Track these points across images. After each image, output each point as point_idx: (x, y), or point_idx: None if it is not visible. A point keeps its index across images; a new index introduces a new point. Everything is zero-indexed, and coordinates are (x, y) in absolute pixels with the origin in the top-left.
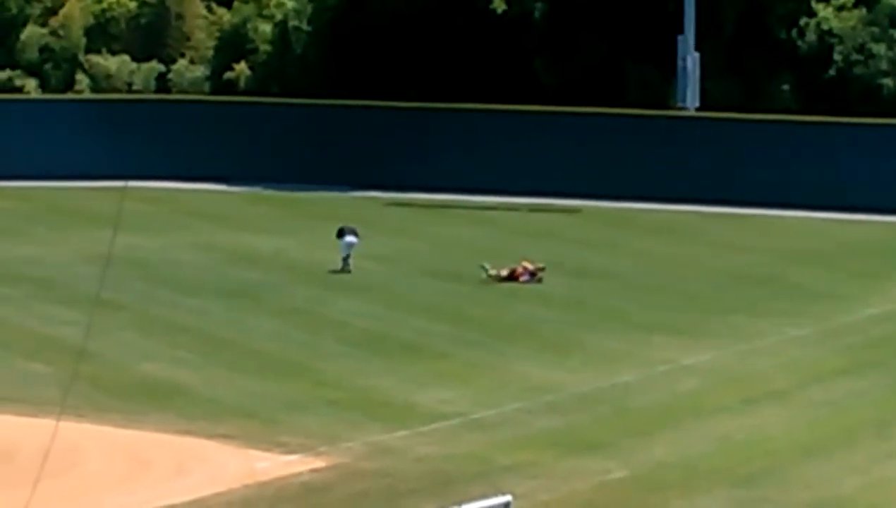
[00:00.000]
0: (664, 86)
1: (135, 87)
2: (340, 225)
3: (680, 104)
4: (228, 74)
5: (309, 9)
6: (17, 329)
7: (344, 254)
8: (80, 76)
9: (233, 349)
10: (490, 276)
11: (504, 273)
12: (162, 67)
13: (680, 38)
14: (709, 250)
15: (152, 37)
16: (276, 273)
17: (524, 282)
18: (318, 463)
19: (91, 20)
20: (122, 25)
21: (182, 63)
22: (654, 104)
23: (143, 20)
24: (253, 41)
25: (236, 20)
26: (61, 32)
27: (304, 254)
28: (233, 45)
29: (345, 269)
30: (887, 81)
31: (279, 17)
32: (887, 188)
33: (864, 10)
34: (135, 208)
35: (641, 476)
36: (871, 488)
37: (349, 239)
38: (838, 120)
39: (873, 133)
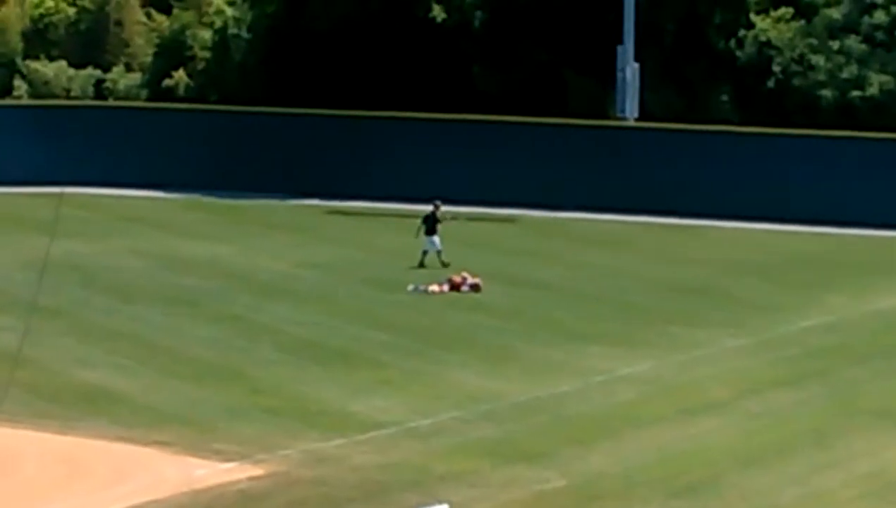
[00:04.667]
0: (604, 97)
1: (73, 94)
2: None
3: (619, 114)
4: (167, 82)
5: (249, 16)
6: None
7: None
8: (17, 82)
9: (170, 355)
10: (424, 292)
11: (445, 288)
12: (99, 73)
13: (619, 48)
14: (647, 260)
15: (91, 43)
16: (214, 279)
17: (464, 292)
18: (256, 471)
19: (29, 25)
20: (61, 31)
21: (118, 70)
22: (594, 114)
23: (81, 26)
24: (192, 48)
25: (175, 27)
26: None
27: (242, 261)
28: (172, 51)
29: (422, 264)
30: (826, 93)
31: (219, 24)
32: (826, 199)
33: (802, 22)
34: (73, 214)
35: (579, 486)
36: (809, 499)
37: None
38: (777, 131)
39: (812, 144)
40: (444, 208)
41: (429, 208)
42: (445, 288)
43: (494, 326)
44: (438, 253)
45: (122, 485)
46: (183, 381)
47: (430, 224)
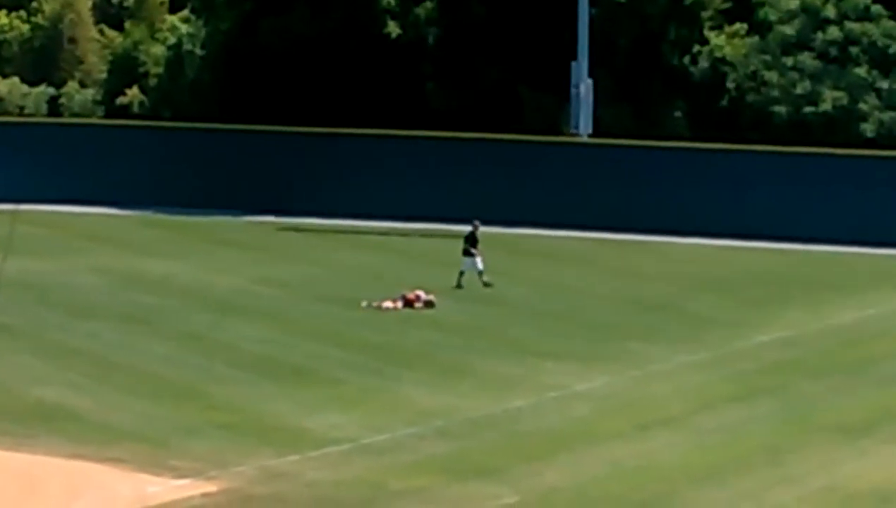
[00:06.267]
0: (558, 113)
1: (26, 111)
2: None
3: (573, 130)
4: (122, 99)
5: (203, 33)
6: None
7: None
8: None
9: (125, 373)
10: (378, 308)
11: (399, 305)
12: (53, 91)
13: (574, 64)
14: (602, 276)
15: (45, 60)
16: (169, 297)
17: (418, 309)
18: (210, 488)
19: None
20: (15, 48)
21: (72, 85)
22: (548, 130)
23: (35, 43)
24: (145, 64)
25: (127, 43)
26: None
27: (197, 278)
28: (125, 68)
29: (460, 285)
30: (779, 109)
31: (172, 40)
32: (779, 215)
33: (756, 38)
34: (27, 231)
35: (533, 502)
36: None
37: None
38: (731, 147)
39: (765, 160)
40: (482, 228)
41: (374, 224)
42: (399, 304)
43: (449, 342)
44: (480, 273)
45: (75, 502)
46: (138, 398)
47: (470, 243)
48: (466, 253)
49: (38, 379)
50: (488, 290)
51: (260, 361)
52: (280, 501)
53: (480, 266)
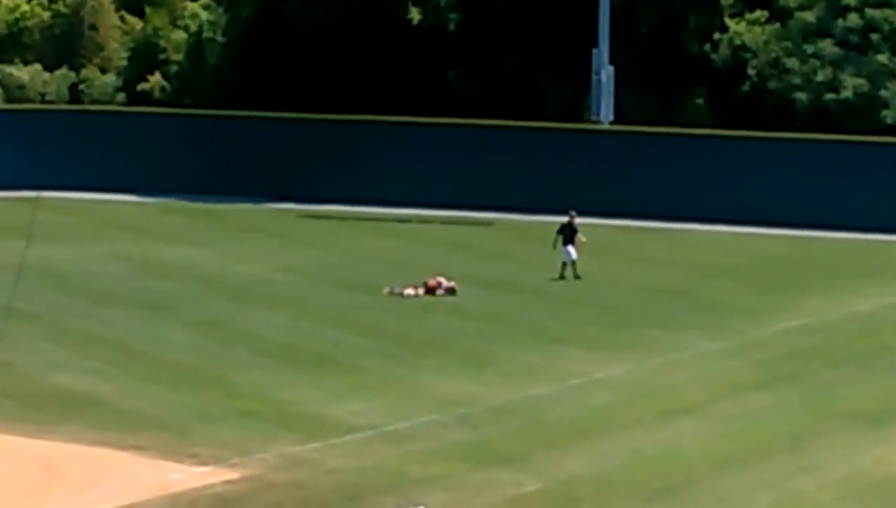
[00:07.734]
0: (579, 100)
1: (48, 97)
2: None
3: (594, 117)
4: (143, 86)
5: (223, 20)
6: None
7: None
8: None
9: (146, 360)
10: (400, 295)
11: (421, 292)
12: (74, 76)
13: (594, 51)
14: (623, 264)
15: (66, 47)
16: (190, 284)
17: (440, 296)
18: (232, 475)
19: (3, 30)
20: (36, 35)
21: (93, 70)
22: (569, 117)
23: (56, 30)
24: (166, 50)
25: (148, 29)
26: None
27: (218, 265)
28: (146, 54)
29: (563, 276)
30: (800, 96)
31: (193, 28)
32: (800, 202)
33: (777, 25)
34: (49, 218)
35: (555, 490)
36: (784, 502)
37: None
38: (752, 134)
39: (787, 147)
40: (577, 219)
41: (396, 211)
42: (421, 291)
43: (470, 330)
44: (573, 264)
45: (97, 489)
46: (159, 385)
47: (568, 234)
48: (566, 243)
49: (58, 366)
50: (509, 278)
51: (281, 348)
52: (302, 488)
53: (574, 256)
